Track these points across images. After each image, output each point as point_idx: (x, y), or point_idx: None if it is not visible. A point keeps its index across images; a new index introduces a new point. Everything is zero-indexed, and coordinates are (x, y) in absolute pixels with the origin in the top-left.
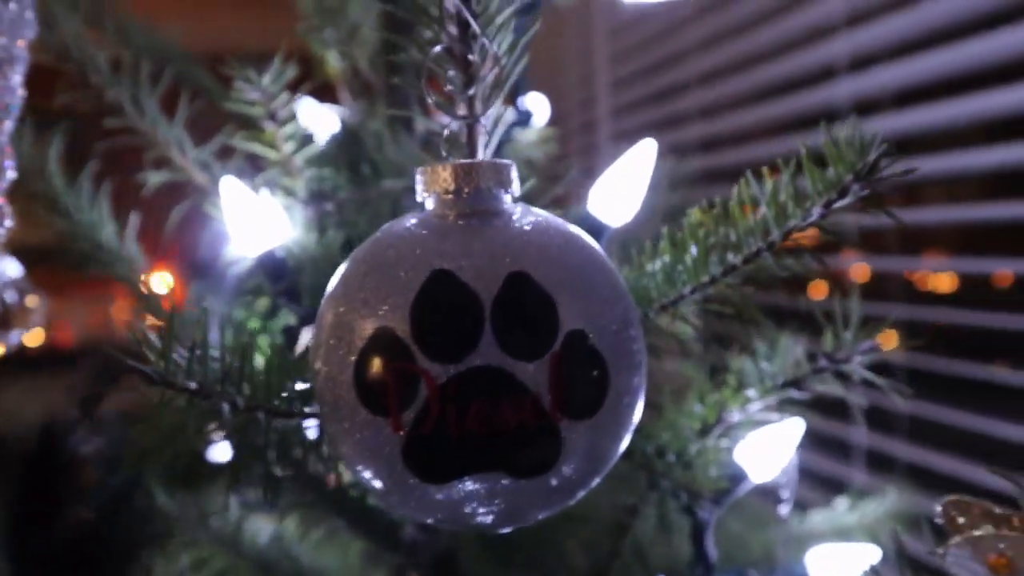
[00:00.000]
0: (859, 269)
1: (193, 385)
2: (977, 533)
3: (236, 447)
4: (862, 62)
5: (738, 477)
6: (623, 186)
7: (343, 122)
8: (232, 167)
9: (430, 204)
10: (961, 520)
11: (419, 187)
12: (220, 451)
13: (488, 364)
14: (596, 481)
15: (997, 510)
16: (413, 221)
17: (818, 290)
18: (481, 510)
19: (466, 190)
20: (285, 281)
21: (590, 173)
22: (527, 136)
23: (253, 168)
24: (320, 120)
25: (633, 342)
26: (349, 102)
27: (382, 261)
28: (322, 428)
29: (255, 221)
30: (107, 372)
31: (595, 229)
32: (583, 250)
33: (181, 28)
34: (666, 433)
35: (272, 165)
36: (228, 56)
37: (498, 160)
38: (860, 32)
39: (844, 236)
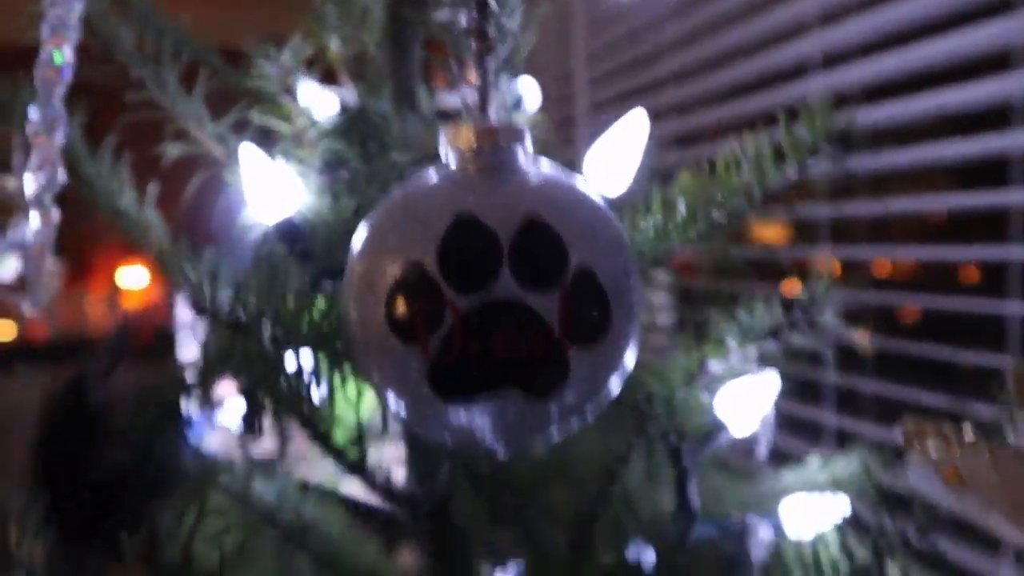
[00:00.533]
0: (825, 258)
1: (241, 316)
2: (932, 450)
3: (255, 386)
4: (834, 59)
5: (718, 426)
6: (617, 157)
7: (343, 103)
8: (248, 139)
9: (452, 160)
10: (919, 440)
11: (442, 145)
12: (228, 413)
13: (507, 296)
14: (591, 410)
15: (947, 429)
16: (437, 175)
17: (790, 285)
18: (493, 430)
19: (487, 146)
20: (301, 244)
21: (569, 148)
22: (519, 119)
23: (266, 142)
24: (321, 101)
25: (632, 291)
26: (350, 84)
27: (410, 209)
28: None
29: (273, 187)
30: (127, 336)
31: None
32: (591, 202)
33: (191, 18)
34: (654, 381)
35: (286, 138)
36: (238, 44)
37: (515, 124)
38: (832, 30)
39: (815, 227)
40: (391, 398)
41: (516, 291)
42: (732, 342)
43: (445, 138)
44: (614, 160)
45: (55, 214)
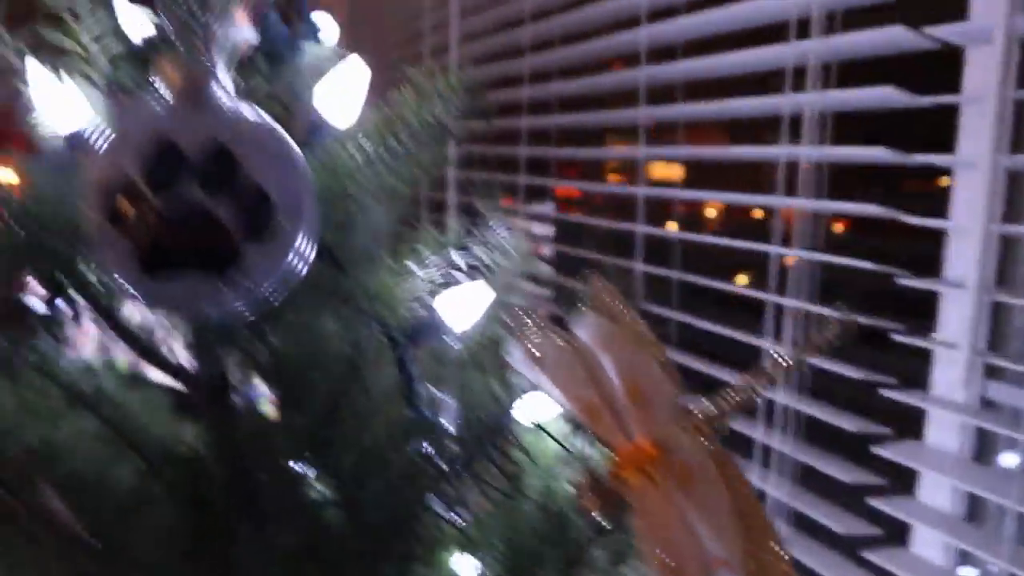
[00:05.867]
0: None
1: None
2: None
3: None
4: (660, 14)
5: (433, 323)
6: (344, 91)
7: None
8: (39, 56)
9: (167, 91)
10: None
11: (159, 77)
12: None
13: (193, 201)
14: (272, 289)
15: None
16: (148, 103)
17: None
18: (189, 301)
19: (185, 81)
20: None
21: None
22: (318, 51)
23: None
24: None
25: (301, 204)
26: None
27: (124, 125)
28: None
29: (59, 102)
30: None
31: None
32: (274, 134)
33: None
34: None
35: (73, 56)
36: None
37: (209, 65)
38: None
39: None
40: (115, 276)
41: (201, 195)
42: (426, 251)
43: (157, 70)
44: (341, 96)
45: None
